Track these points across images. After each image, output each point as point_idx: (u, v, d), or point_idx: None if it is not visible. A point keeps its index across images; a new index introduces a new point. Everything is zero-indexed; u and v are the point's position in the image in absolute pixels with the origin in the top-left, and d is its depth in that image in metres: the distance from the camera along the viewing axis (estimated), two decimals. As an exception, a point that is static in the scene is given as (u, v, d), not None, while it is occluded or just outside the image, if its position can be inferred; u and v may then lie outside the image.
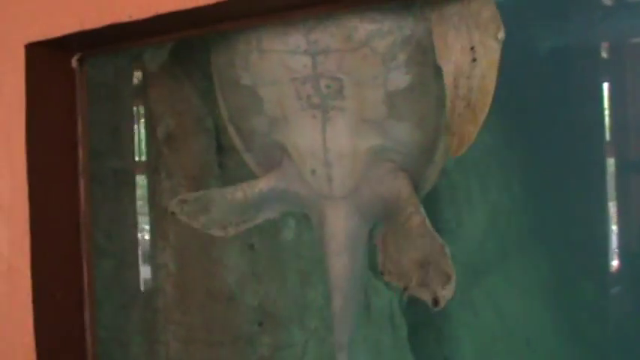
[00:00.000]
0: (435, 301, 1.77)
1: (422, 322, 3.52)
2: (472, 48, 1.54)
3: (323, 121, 1.76)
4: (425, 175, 1.92)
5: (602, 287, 5.82)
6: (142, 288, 2.74)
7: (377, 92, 1.71)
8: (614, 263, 7.45)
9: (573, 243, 5.10)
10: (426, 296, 1.80)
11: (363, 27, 1.62)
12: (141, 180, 2.85)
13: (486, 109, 1.56)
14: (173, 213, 2.03)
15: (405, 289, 1.86)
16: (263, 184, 1.99)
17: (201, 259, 2.46)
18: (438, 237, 1.78)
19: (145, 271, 2.76)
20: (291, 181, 1.93)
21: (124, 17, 1.56)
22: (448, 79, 1.57)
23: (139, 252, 2.77)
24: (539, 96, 4.70)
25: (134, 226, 2.85)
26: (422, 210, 1.83)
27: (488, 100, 1.56)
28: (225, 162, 2.50)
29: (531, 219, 4.53)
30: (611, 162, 8.59)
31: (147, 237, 2.79)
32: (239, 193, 2.01)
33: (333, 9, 1.54)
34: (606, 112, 8.61)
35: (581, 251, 5.34)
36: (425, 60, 1.68)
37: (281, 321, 2.55)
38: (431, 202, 3.54)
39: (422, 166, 1.90)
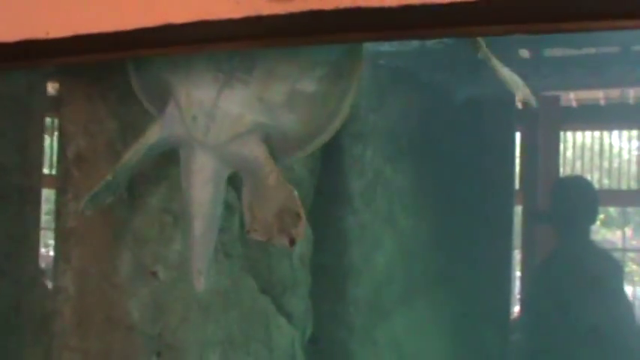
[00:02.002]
0: (292, 241, 2.05)
1: (323, 361, 3.52)
2: None
3: (223, 83, 1.97)
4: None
5: (503, 333, 5.95)
6: (40, 311, 2.67)
7: (283, 85, 1.98)
8: (516, 309, 7.63)
9: (477, 288, 5.19)
10: (284, 241, 2.06)
11: None
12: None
13: None
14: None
15: (269, 240, 2.10)
16: (151, 137, 2.15)
17: (102, 284, 2.41)
18: (288, 184, 2.08)
19: (44, 294, 2.69)
20: (173, 126, 2.11)
21: (40, 34, 1.54)
22: None
23: (40, 273, 2.71)
24: (453, 143, 4.79)
25: (36, 246, 2.78)
26: (276, 168, 2.09)
27: None
28: (134, 188, 2.47)
29: (437, 262, 4.60)
30: (519, 210, 8.83)
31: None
32: (133, 155, 2.17)
33: (253, 45, 1.55)
34: (517, 161, 8.86)
35: (484, 296, 5.44)
36: (337, 82, 2.04)
37: (179, 352, 2.51)
38: (339, 242, 3.58)
39: (289, 149, 2.20)
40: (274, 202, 2.07)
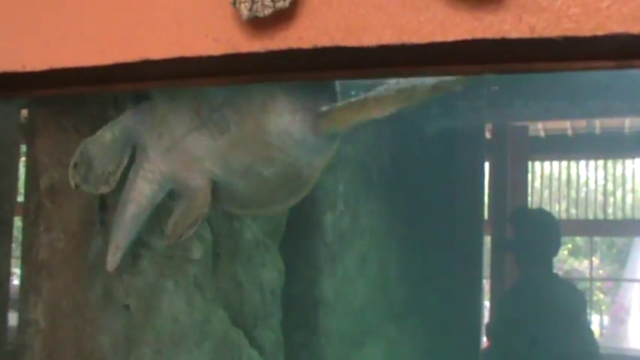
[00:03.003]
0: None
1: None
2: None
3: (196, 126, 2.06)
4: None
5: (473, 361, 5.96)
6: (10, 344, 2.64)
7: (245, 159, 2.07)
8: (484, 340, 7.65)
9: (447, 318, 5.21)
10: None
11: None
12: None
13: None
14: (77, 185, 2.24)
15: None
16: (124, 119, 2.25)
17: (74, 317, 2.38)
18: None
19: (14, 327, 2.65)
20: (142, 124, 2.22)
21: (17, 66, 1.54)
22: None
23: (10, 306, 2.67)
24: (423, 173, 4.83)
25: (6, 277, 2.75)
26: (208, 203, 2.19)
27: None
28: (107, 219, 2.46)
29: (408, 292, 4.62)
30: (487, 240, 8.87)
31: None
32: (107, 133, 2.24)
33: (231, 82, 1.56)
34: (486, 191, 8.92)
35: (454, 326, 5.46)
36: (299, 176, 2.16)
37: (152, 386, 2.49)
38: (310, 273, 3.58)
39: (232, 204, 2.34)
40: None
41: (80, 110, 2.40)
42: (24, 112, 2.98)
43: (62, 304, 2.39)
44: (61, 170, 2.44)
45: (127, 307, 2.45)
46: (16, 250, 2.89)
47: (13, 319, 2.66)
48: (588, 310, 8.33)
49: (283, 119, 1.94)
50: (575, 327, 7.11)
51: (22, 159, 2.85)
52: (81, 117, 2.41)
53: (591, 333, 7.72)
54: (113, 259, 2.31)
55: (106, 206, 2.46)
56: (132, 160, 2.32)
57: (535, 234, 6.97)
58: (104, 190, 2.32)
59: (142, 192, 2.28)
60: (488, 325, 7.30)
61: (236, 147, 2.04)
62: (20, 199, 2.76)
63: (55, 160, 2.45)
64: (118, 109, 2.35)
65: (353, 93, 2.20)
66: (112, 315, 2.42)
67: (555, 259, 8.03)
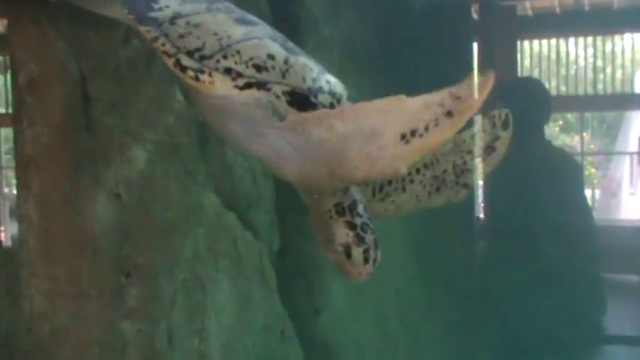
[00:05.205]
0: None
1: (292, 273, 3.56)
2: None
3: None
4: None
5: (468, 239, 6.04)
6: (7, 242, 2.66)
7: None
8: (480, 216, 7.75)
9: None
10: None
11: None
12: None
13: None
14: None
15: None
16: None
17: (65, 209, 2.39)
18: None
19: (10, 226, 2.68)
20: None
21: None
22: None
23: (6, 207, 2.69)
24: (410, 52, 4.78)
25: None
26: None
27: None
28: (91, 111, 2.43)
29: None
30: (477, 119, 8.87)
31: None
32: None
33: None
34: (475, 71, 8.85)
35: (448, 205, 5.50)
36: None
37: (149, 273, 2.52)
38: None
39: None
40: None
41: (54, 2, 2.34)
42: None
43: (53, 197, 2.40)
44: (40, 64, 2.40)
45: (117, 196, 2.45)
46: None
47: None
48: (583, 178, 8.39)
49: None
50: (570, 195, 7.19)
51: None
52: (54, 7, 2.35)
53: (585, 200, 7.82)
54: None
55: (89, 98, 2.43)
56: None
57: (524, 101, 6.96)
58: None
59: None
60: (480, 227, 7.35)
61: None
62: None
63: (32, 54, 2.41)
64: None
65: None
66: (104, 205, 2.43)
67: (547, 135, 8.07)
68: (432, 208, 2.28)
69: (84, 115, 2.42)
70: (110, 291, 2.44)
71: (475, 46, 8.39)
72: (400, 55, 4.66)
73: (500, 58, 9.27)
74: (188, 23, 1.90)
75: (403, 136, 1.63)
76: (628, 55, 15.31)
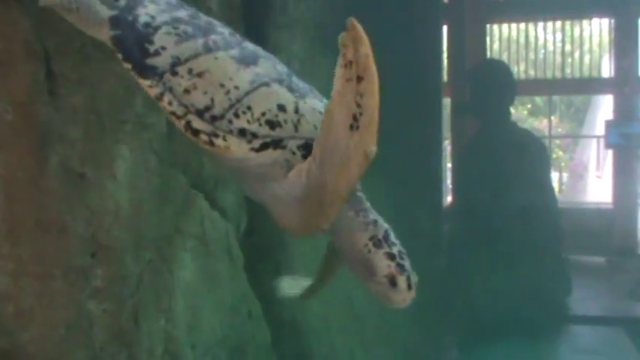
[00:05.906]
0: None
1: (259, 253, 3.56)
2: None
3: None
4: None
5: (436, 219, 6.09)
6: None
7: None
8: (448, 198, 7.82)
9: (408, 175, 5.27)
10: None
11: None
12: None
13: None
14: None
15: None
16: None
17: (30, 189, 2.36)
18: None
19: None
20: None
21: None
22: None
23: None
24: (380, 35, 4.78)
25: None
26: None
27: None
28: (55, 89, 2.40)
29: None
30: (447, 102, 8.92)
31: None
32: None
33: None
34: (445, 55, 8.90)
35: (416, 183, 5.54)
36: None
37: (115, 252, 2.51)
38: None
39: None
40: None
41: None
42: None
43: (17, 176, 2.36)
44: (3, 41, 2.37)
45: (83, 175, 2.43)
46: None
47: None
48: (549, 159, 8.47)
49: None
50: (534, 175, 7.26)
51: None
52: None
53: (550, 181, 7.91)
54: None
55: (53, 74, 2.40)
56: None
57: (489, 81, 7.02)
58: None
59: None
60: (447, 209, 7.41)
61: None
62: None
63: (-6, 30, 2.37)
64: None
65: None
66: (69, 184, 2.41)
67: (515, 119, 8.13)
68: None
69: (49, 93, 2.39)
70: (76, 271, 2.43)
71: (445, 29, 8.42)
72: (370, 37, 4.65)
73: (469, 42, 9.32)
74: (190, 72, 1.82)
75: (351, 126, 1.62)
76: (596, 40, 15.48)
